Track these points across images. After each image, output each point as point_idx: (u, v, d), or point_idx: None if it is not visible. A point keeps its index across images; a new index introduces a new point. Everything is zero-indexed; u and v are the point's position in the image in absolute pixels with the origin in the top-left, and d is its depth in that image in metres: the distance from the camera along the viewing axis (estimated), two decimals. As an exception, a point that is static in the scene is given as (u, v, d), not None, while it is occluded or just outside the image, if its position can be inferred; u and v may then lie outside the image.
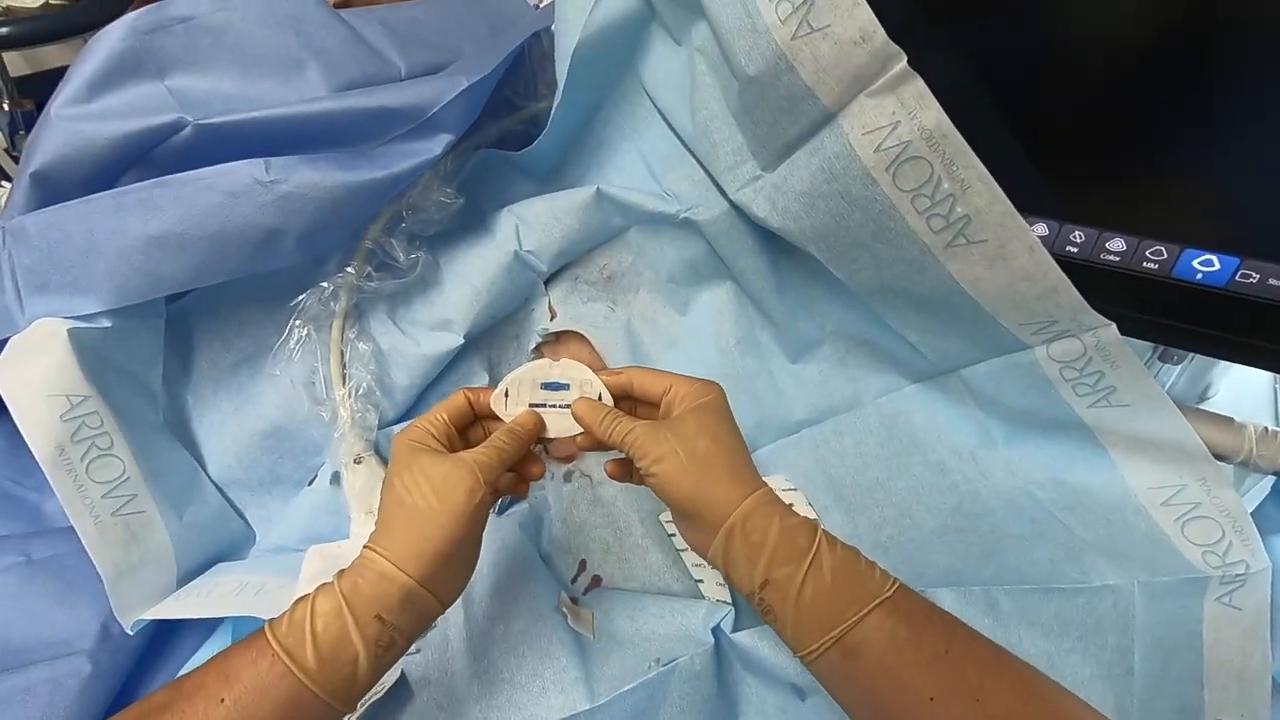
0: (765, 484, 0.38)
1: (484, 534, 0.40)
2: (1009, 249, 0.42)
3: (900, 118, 0.41)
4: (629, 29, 0.53)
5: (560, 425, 0.43)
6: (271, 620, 0.33)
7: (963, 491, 0.53)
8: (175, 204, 0.48)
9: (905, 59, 0.40)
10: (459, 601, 0.48)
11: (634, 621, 0.47)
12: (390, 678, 0.43)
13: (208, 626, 0.52)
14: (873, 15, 0.39)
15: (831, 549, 0.35)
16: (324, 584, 0.35)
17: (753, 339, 0.57)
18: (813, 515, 0.55)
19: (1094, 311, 0.42)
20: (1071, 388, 0.47)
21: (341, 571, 0.35)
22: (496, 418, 0.43)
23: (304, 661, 0.32)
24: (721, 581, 0.50)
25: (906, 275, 0.46)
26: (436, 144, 0.52)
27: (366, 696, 0.43)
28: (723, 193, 0.52)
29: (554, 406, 0.44)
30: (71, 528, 0.52)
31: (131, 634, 0.47)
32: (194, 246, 0.49)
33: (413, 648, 0.46)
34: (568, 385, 0.44)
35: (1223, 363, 0.61)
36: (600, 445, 0.42)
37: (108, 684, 0.46)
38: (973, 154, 0.40)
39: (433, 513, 0.36)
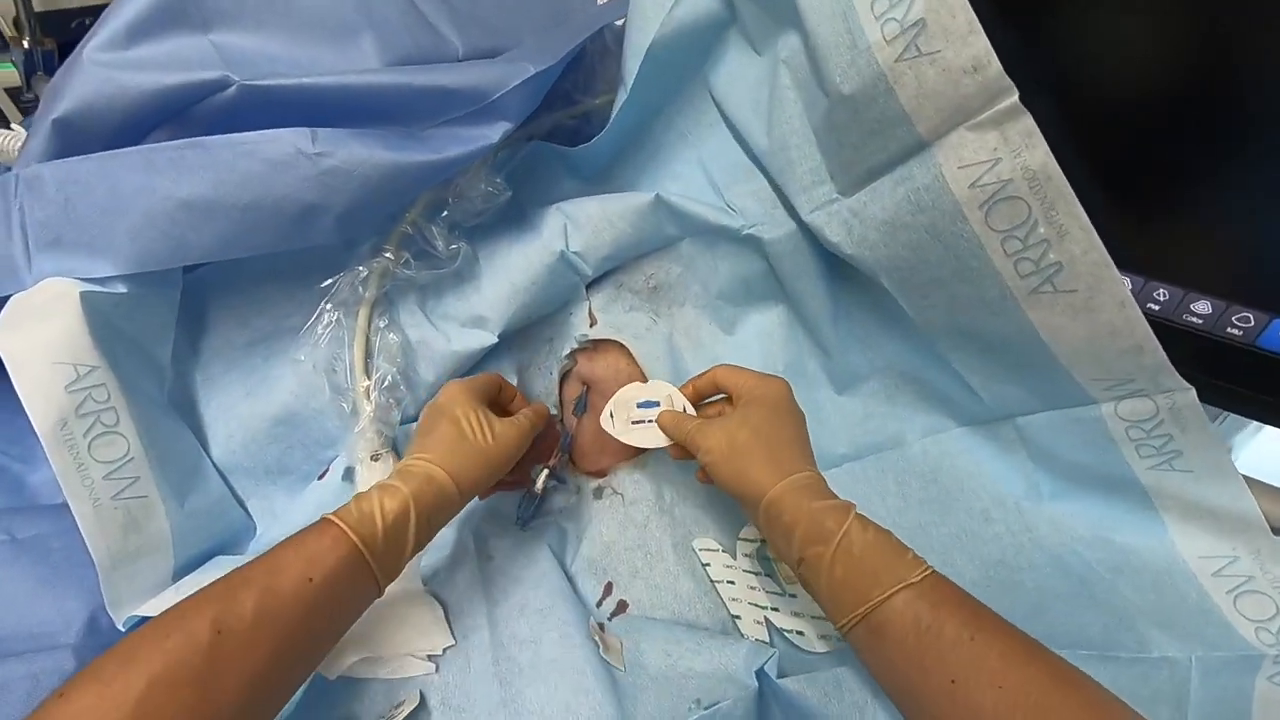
0: (807, 470, 0.41)
1: (510, 548, 0.47)
2: (1097, 301, 0.40)
3: (1002, 155, 0.39)
4: (705, 32, 0.51)
5: (653, 438, 0.49)
6: (337, 511, 0.37)
7: (1006, 544, 0.51)
8: (211, 168, 0.45)
9: (1016, 94, 0.38)
10: (484, 620, 0.45)
11: (668, 656, 0.44)
12: (410, 703, 0.40)
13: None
14: (988, 45, 0.37)
15: (864, 531, 0.37)
16: (386, 484, 0.40)
17: (800, 366, 0.55)
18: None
19: (1177, 374, 0.41)
20: (1135, 447, 0.45)
21: (400, 474, 0.40)
22: (506, 409, 0.50)
23: (375, 552, 0.37)
24: (759, 620, 0.47)
25: (981, 317, 0.44)
26: (494, 131, 0.49)
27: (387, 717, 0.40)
28: (792, 213, 0.50)
29: (649, 422, 0.49)
30: (59, 505, 0.48)
31: (123, 629, 0.43)
32: (226, 215, 0.45)
33: (431, 666, 0.43)
34: (658, 403, 0.50)
35: (1251, 426, 0.60)
36: (686, 454, 0.47)
37: (91, 683, 0.42)
38: (1076, 200, 0.38)
39: (491, 452, 0.44)
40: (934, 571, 0.35)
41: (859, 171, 0.45)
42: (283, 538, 0.52)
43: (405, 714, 0.40)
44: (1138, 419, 0.44)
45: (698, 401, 0.50)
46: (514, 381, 0.57)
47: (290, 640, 0.33)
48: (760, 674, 0.41)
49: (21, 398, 0.41)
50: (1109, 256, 0.39)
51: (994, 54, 0.37)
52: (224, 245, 0.46)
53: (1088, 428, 0.46)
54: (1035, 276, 0.41)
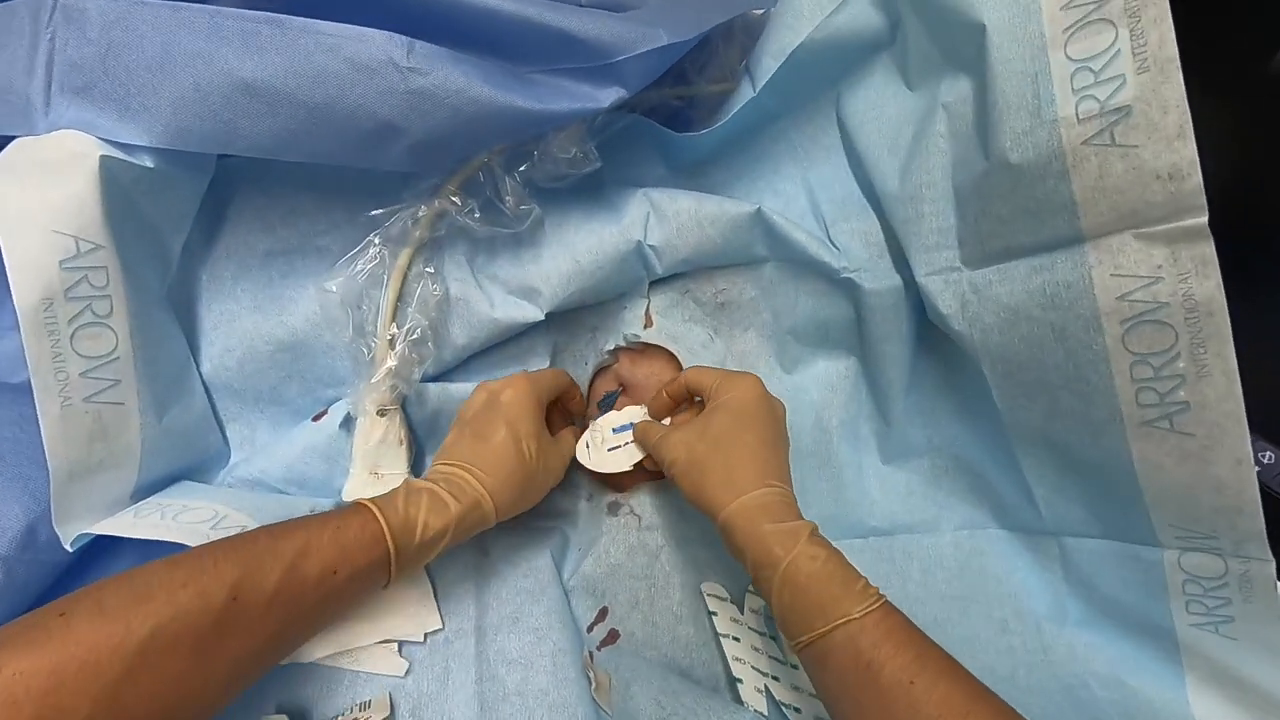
0: (765, 485, 0.39)
1: (509, 548, 0.45)
2: (1213, 453, 0.37)
3: (1166, 275, 0.36)
4: (857, 48, 0.46)
5: (629, 457, 0.48)
6: (382, 507, 0.35)
7: (1018, 660, 0.49)
8: (284, 52, 0.39)
9: (1206, 216, 0.34)
10: (471, 625, 0.41)
11: (661, 708, 0.40)
12: (379, 712, 0.36)
13: (143, 555, 0.42)
14: (1195, 156, 0.34)
15: (812, 560, 0.36)
16: (435, 494, 0.37)
17: (854, 427, 0.51)
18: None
19: (1266, 545, 0.39)
20: (1185, 601, 0.43)
21: (450, 486, 0.38)
22: (568, 409, 0.51)
23: (402, 560, 0.35)
24: (760, 688, 0.44)
25: (1078, 433, 0.41)
26: (605, 95, 0.44)
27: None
28: (901, 268, 0.46)
29: (626, 445, 0.49)
30: (16, 387, 0.42)
31: (70, 550, 0.37)
32: (289, 111, 0.39)
33: (404, 665, 0.38)
34: (631, 425, 0.49)
35: None
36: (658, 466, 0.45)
37: (13, 602, 0.37)
38: (1231, 344, 0.35)
39: (538, 484, 0.42)
40: (881, 605, 0.34)
41: (995, 247, 0.41)
42: (258, 474, 0.47)
43: (373, 722, 0.35)
44: (1201, 575, 0.42)
45: (674, 409, 0.48)
46: (545, 362, 0.52)
47: (296, 626, 0.32)
48: (762, 756, 0.38)
49: (6, 260, 0.35)
50: (1244, 411, 0.36)
51: (1198, 166, 0.33)
52: (277, 143, 0.40)
53: (1142, 568, 0.43)
54: (1155, 409, 0.38)
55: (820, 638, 0.34)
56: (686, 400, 0.48)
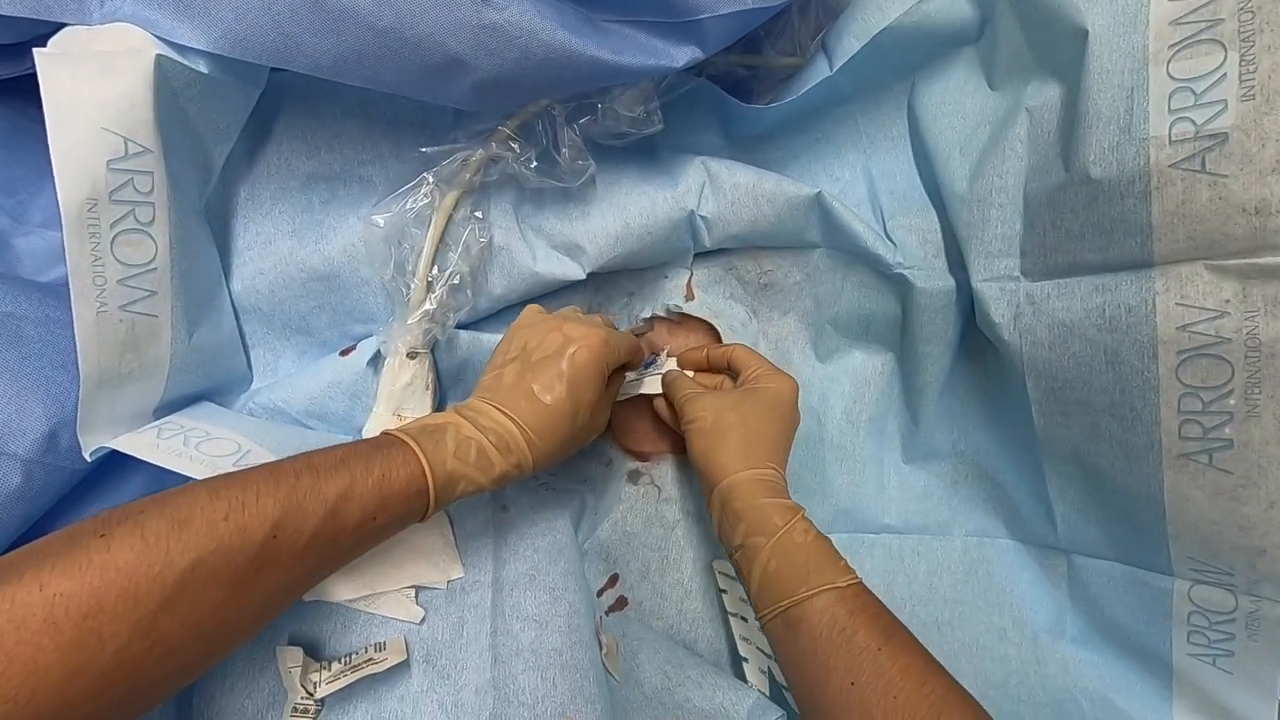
0: (775, 468, 0.41)
1: (529, 506, 0.44)
2: (1248, 494, 0.37)
3: (1233, 310, 0.35)
4: (942, 39, 0.45)
5: (650, 386, 0.49)
6: (430, 458, 0.34)
7: (1013, 669, 0.50)
8: (359, -30, 0.37)
9: (1286, 256, 0.34)
10: (488, 578, 0.40)
11: (667, 678, 0.41)
12: (395, 656, 0.35)
13: (158, 471, 0.41)
14: (1287, 193, 0.33)
15: (805, 534, 0.38)
16: (484, 451, 0.36)
17: (882, 423, 0.51)
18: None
19: (1282, 587, 0.39)
20: (1188, 632, 0.44)
21: (499, 440, 0.37)
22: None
23: (443, 505, 0.35)
24: (763, 669, 0.44)
25: (1112, 457, 0.41)
26: (681, 54, 0.42)
27: (360, 668, 0.35)
28: (957, 271, 0.45)
29: (646, 379, 0.50)
30: (47, 286, 0.41)
31: (88, 459, 0.36)
32: (355, 32, 0.38)
33: (420, 613, 0.38)
34: (656, 359, 0.51)
35: None
36: (673, 416, 0.47)
37: (32, 507, 0.36)
38: (1290, 387, 0.35)
39: (578, 443, 0.42)
40: (859, 582, 0.37)
41: (1059, 261, 0.40)
42: (280, 403, 0.46)
43: (389, 666, 0.35)
44: (1209, 608, 0.42)
45: (706, 369, 0.50)
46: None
47: (330, 564, 0.32)
48: (765, 735, 0.39)
49: (53, 154, 0.33)
50: (1289, 455, 0.36)
51: (1289, 204, 0.33)
52: (339, 64, 0.39)
53: (1150, 595, 0.44)
54: (1196, 443, 0.38)
55: (800, 602, 0.36)
56: (722, 370, 0.49)
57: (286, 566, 0.29)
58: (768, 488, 0.40)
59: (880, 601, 0.36)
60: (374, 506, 0.32)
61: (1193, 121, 0.34)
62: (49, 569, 0.24)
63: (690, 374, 0.49)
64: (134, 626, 0.24)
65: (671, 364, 0.50)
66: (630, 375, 0.50)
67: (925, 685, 0.32)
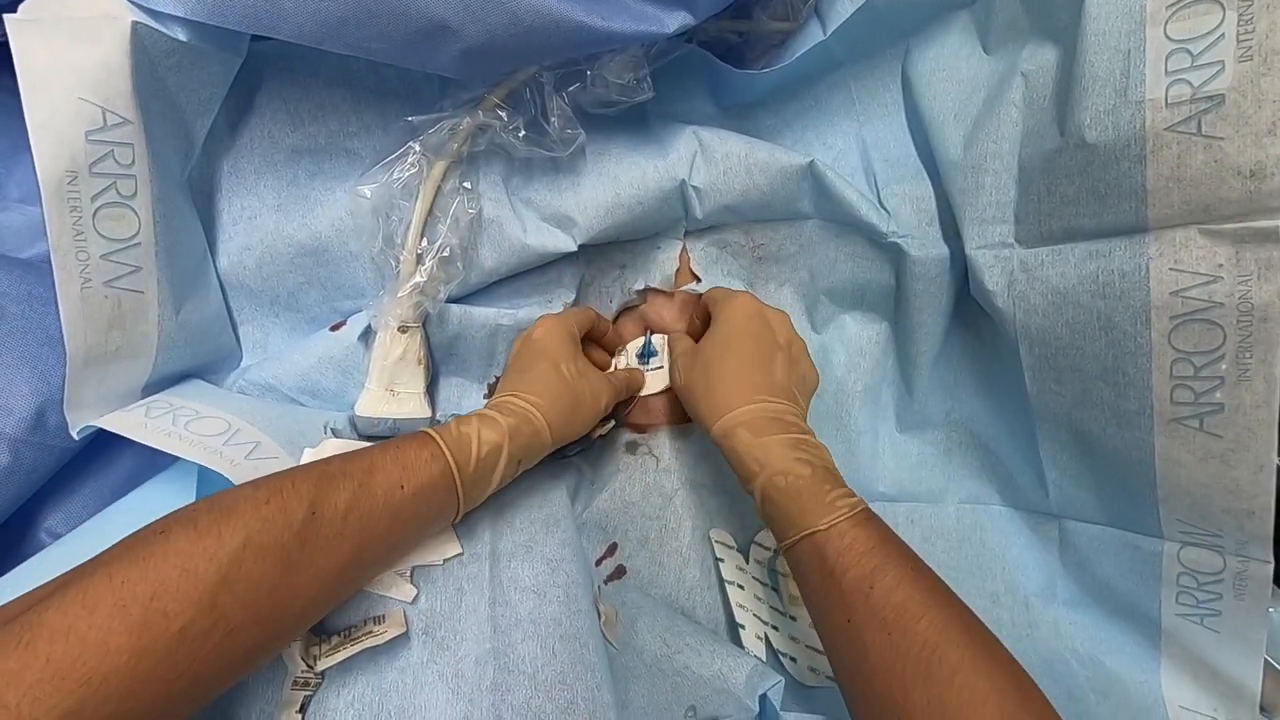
0: (753, 400, 0.40)
1: (530, 483, 0.44)
2: (1237, 457, 0.38)
3: (1226, 275, 0.35)
4: (936, 3, 0.44)
5: (653, 384, 0.50)
6: (439, 428, 0.37)
7: (1005, 632, 0.49)
8: (340, -69, 0.35)
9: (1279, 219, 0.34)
10: (486, 549, 0.40)
11: (666, 645, 0.41)
12: (394, 629, 0.35)
13: (150, 449, 0.41)
14: (1282, 156, 0.33)
15: (784, 476, 0.37)
16: (485, 414, 0.39)
17: (875, 393, 0.51)
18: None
19: (1270, 548, 0.40)
20: (1176, 593, 0.45)
21: (498, 408, 0.40)
22: (603, 344, 0.51)
23: (465, 477, 0.36)
24: (760, 635, 0.45)
25: (1104, 422, 0.41)
26: (671, 20, 0.42)
27: (360, 641, 0.35)
28: (950, 239, 0.45)
29: (653, 371, 0.50)
30: (29, 263, 0.40)
31: (76, 438, 0.36)
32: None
33: (411, 596, 0.38)
34: (657, 353, 0.51)
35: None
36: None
37: (22, 486, 0.36)
38: (1278, 351, 0.35)
39: (585, 403, 0.43)
40: (849, 517, 0.35)
41: (1054, 227, 0.40)
42: (271, 380, 0.46)
43: (388, 638, 0.35)
44: (1198, 569, 0.43)
45: (702, 331, 0.48)
46: (571, 295, 0.51)
47: (372, 542, 0.33)
48: (764, 699, 0.39)
49: (29, 125, 0.32)
50: (1276, 418, 0.36)
51: (1287, 166, 0.33)
52: (323, 31, 0.38)
53: (1141, 558, 0.45)
54: (1187, 408, 0.38)
55: (791, 547, 0.36)
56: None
57: (329, 542, 0.30)
58: (747, 429, 0.40)
59: (876, 533, 0.35)
60: (397, 475, 0.33)
61: (1189, 83, 0.34)
62: (117, 563, 0.26)
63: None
64: (196, 605, 0.26)
65: (665, 351, 0.51)
66: (630, 363, 0.51)
67: (923, 620, 0.31)
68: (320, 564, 0.30)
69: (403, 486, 0.33)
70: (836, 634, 0.34)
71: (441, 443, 0.36)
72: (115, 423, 0.36)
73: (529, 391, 0.41)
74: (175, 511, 0.28)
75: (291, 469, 0.32)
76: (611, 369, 0.51)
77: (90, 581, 0.25)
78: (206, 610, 0.26)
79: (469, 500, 0.37)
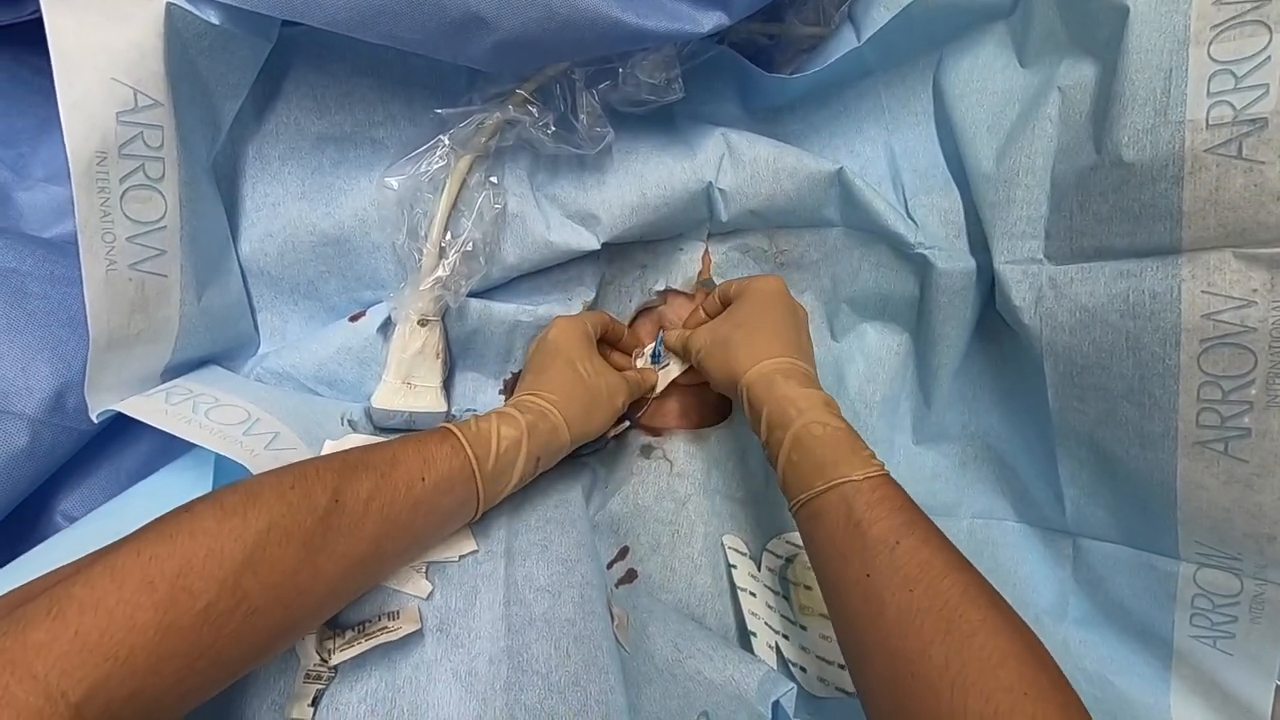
0: (788, 356, 0.41)
1: (545, 484, 0.44)
2: (1262, 482, 0.38)
3: (1260, 300, 0.35)
4: (972, 12, 0.44)
5: (663, 384, 0.50)
6: (459, 424, 0.37)
7: (1014, 648, 0.50)
8: (379, -81, 0.35)
9: (1318, 246, 0.33)
10: (501, 548, 0.40)
11: (677, 650, 0.41)
12: (409, 625, 0.35)
13: (166, 434, 0.41)
14: (1323, 182, 0.32)
15: (824, 425, 0.37)
16: (504, 412, 0.39)
17: (894, 403, 0.51)
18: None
19: (1292, 571, 0.40)
20: (1190, 614, 0.44)
21: (516, 406, 0.40)
22: (618, 347, 0.51)
23: (484, 473, 0.36)
24: (771, 644, 0.44)
25: (1126, 443, 0.41)
26: (707, 20, 0.41)
27: (374, 636, 0.35)
28: (979, 252, 0.44)
29: (662, 369, 0.50)
30: (51, 242, 0.40)
31: (95, 420, 0.35)
32: (375, -15, 0.36)
33: (426, 592, 0.38)
34: (660, 353, 0.51)
35: None
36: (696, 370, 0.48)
37: (40, 467, 0.35)
38: (1311, 378, 0.35)
39: (601, 402, 0.43)
40: (881, 474, 0.35)
41: (1085, 244, 0.40)
42: (289, 368, 0.46)
43: (403, 634, 0.35)
44: (1214, 591, 0.43)
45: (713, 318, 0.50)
46: (591, 294, 0.51)
47: (394, 532, 0.33)
48: (776, 707, 0.39)
49: (61, 105, 0.32)
50: (1304, 444, 0.36)
51: (1324, 193, 0.32)
52: (355, 19, 0.37)
53: (1157, 577, 0.44)
54: (1213, 431, 0.38)
55: (818, 495, 0.35)
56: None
57: (351, 529, 0.31)
58: (785, 376, 0.40)
59: (904, 495, 0.35)
60: (418, 467, 0.34)
61: (1232, 105, 0.34)
62: (146, 540, 0.26)
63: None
64: (220, 584, 0.26)
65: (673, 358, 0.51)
66: (642, 363, 0.51)
67: (946, 579, 0.31)
68: (342, 550, 0.30)
69: (424, 479, 0.34)
70: (852, 589, 0.33)
71: (462, 437, 0.36)
72: (135, 408, 0.36)
73: (545, 390, 0.41)
74: (200, 496, 0.29)
75: (315, 458, 0.32)
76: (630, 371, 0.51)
77: (118, 557, 0.25)
78: (230, 590, 0.26)
79: (489, 496, 0.37)
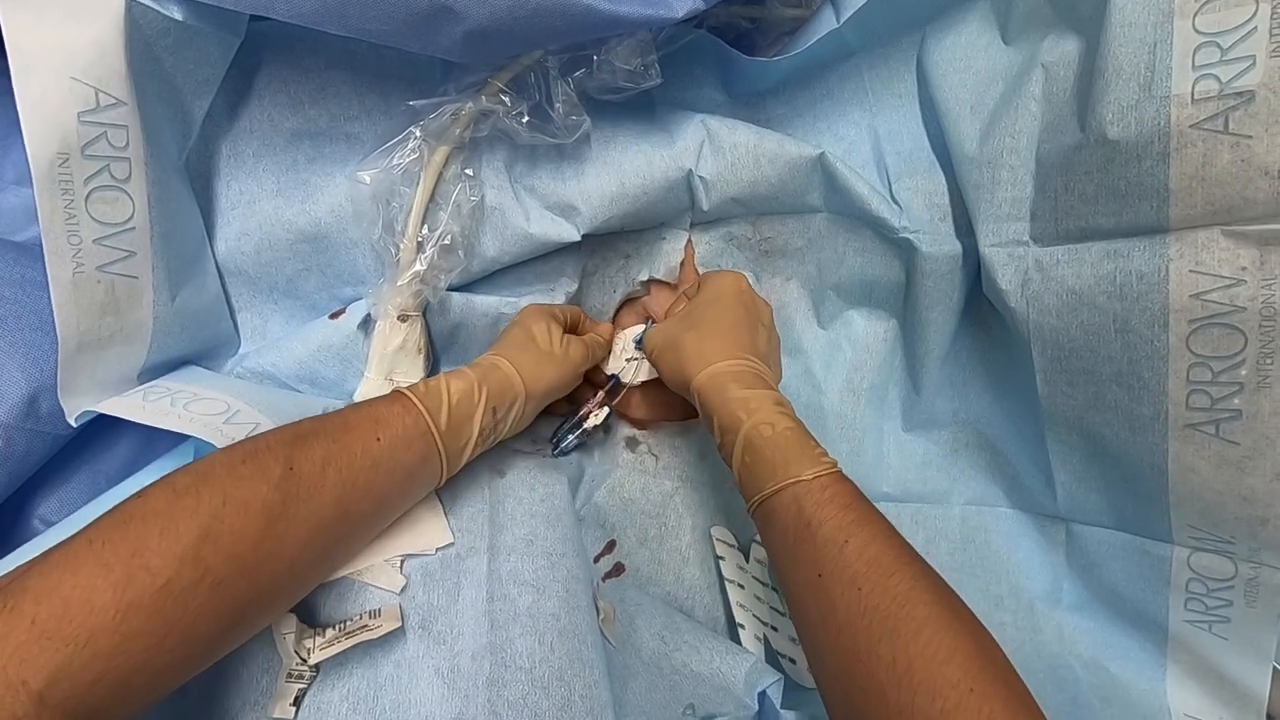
0: (737, 357, 0.41)
1: (526, 471, 0.44)
2: (1253, 464, 0.37)
3: (1249, 279, 0.34)
4: (955, -10, 0.43)
5: (647, 371, 0.49)
6: (408, 386, 0.37)
7: (1008, 636, 0.49)
8: (340, -93, 0.34)
9: (1309, 222, 0.33)
10: (484, 543, 0.40)
11: (664, 643, 0.41)
12: (390, 623, 0.35)
13: (145, 436, 0.41)
14: (1312, 156, 0.32)
15: (773, 427, 0.37)
16: (454, 372, 0.39)
17: (882, 391, 0.50)
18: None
19: (1284, 557, 0.39)
20: (1185, 599, 0.44)
21: (468, 366, 0.40)
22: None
23: (440, 427, 0.36)
24: (759, 636, 0.44)
25: (1116, 426, 0.40)
26: (681, 4, 0.40)
27: (355, 634, 0.34)
28: (964, 235, 0.44)
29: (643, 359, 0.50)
30: (20, 245, 0.39)
31: (73, 424, 0.35)
32: (339, -23, 0.35)
33: (400, 586, 0.38)
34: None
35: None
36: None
37: (13, 472, 0.35)
38: (1302, 357, 0.34)
39: (556, 359, 0.43)
40: (832, 473, 0.35)
41: (1071, 225, 0.39)
42: (269, 368, 0.46)
43: (384, 632, 0.35)
44: (1209, 575, 0.42)
45: None
46: (574, 286, 0.50)
47: (355, 494, 0.33)
48: (763, 697, 0.39)
49: (19, 101, 0.31)
50: (1298, 426, 0.35)
51: (1314, 168, 0.31)
52: (321, 12, 0.37)
53: (1149, 562, 0.44)
54: (1203, 414, 0.37)
55: (770, 497, 0.36)
56: None
57: (310, 494, 0.30)
58: (735, 379, 0.40)
59: (854, 491, 0.35)
60: (371, 427, 0.34)
61: (1218, 79, 0.33)
62: (96, 528, 0.26)
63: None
64: (179, 559, 0.26)
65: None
66: (628, 350, 0.50)
67: (894, 576, 0.31)
68: (304, 515, 0.30)
69: (379, 438, 0.34)
70: (804, 589, 0.33)
71: (411, 395, 0.36)
72: (113, 406, 0.36)
73: (500, 350, 0.42)
74: (152, 483, 0.28)
75: (266, 433, 0.32)
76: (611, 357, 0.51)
77: (71, 546, 0.25)
78: (190, 564, 0.26)
79: (451, 451, 0.37)
